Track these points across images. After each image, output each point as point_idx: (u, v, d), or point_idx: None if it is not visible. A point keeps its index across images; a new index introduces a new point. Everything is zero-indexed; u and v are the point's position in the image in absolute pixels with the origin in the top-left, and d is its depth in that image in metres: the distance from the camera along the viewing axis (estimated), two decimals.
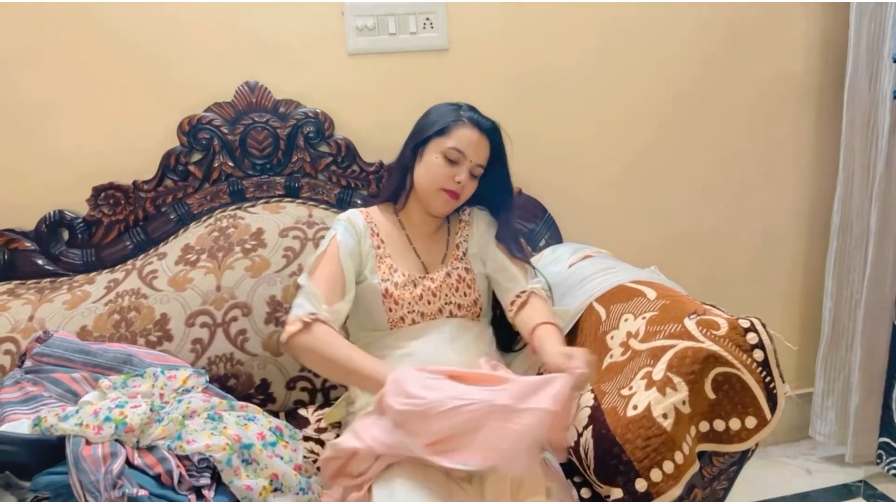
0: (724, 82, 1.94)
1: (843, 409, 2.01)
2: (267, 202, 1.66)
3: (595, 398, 1.16)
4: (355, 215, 1.42)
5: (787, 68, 1.97)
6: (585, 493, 1.16)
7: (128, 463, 1.04)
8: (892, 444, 1.92)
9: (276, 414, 1.46)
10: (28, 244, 1.60)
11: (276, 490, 1.12)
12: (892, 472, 1.92)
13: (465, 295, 1.38)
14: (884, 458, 1.94)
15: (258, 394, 1.50)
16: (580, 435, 1.13)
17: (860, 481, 1.97)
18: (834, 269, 1.98)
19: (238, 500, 1.10)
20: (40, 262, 1.60)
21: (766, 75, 1.96)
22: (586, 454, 1.11)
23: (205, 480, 1.08)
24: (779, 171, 2.04)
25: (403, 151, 1.44)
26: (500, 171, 1.43)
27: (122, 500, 0.98)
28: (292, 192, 1.69)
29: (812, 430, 2.09)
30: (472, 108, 1.41)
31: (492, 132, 1.40)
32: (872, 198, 1.86)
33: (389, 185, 1.49)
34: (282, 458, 1.17)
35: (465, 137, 1.36)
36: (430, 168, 1.37)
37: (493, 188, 1.44)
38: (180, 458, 1.09)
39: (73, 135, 1.62)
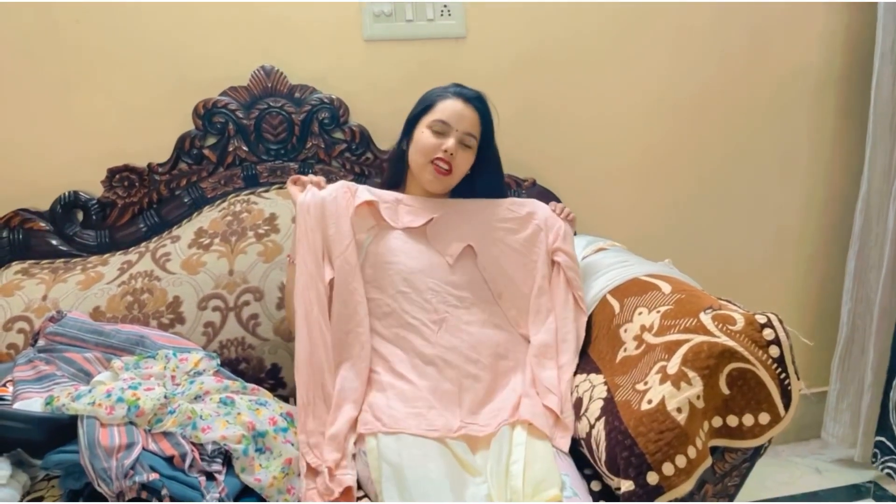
0: (742, 75, 1.91)
1: (857, 411, 1.99)
2: (280, 187, 1.66)
3: (608, 390, 1.16)
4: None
5: (808, 61, 1.94)
6: (596, 485, 1.16)
7: (143, 448, 1.04)
8: (887, 443, 1.90)
9: (285, 399, 1.46)
10: (42, 224, 1.60)
11: (287, 475, 1.12)
12: (888, 471, 1.90)
13: None
14: (878, 456, 1.92)
15: (268, 378, 1.51)
16: (592, 427, 1.13)
17: (870, 482, 1.95)
18: (855, 269, 1.95)
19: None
20: (54, 242, 1.60)
21: (786, 68, 1.93)
22: (598, 446, 1.10)
23: (216, 466, 1.08)
24: (797, 167, 2.01)
25: (399, 140, 1.47)
26: (488, 144, 1.44)
27: (134, 487, 0.99)
28: None
29: (825, 432, 2.07)
30: (459, 85, 1.44)
31: (476, 101, 1.41)
32: (892, 196, 1.84)
33: (388, 174, 1.53)
34: (292, 445, 1.17)
35: (448, 108, 1.38)
36: (418, 143, 1.39)
37: (484, 168, 1.45)
38: (194, 444, 1.09)
39: (88, 116, 1.62)
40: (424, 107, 1.41)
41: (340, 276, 1.29)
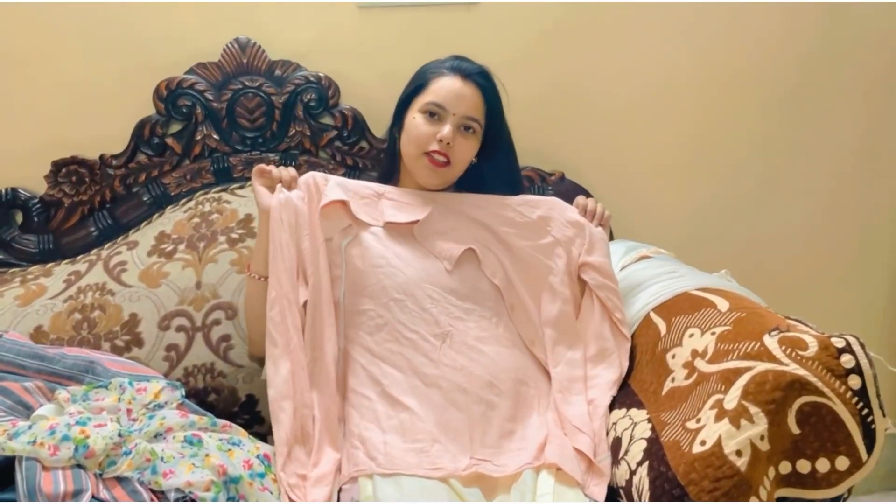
0: (818, 44, 1.91)
1: None
2: None
3: (653, 428, 1.15)
4: None
5: None
6: None
7: (92, 496, 1.05)
8: None
9: (263, 438, 1.46)
10: None
11: None
12: None
13: None
14: None
15: (243, 412, 1.51)
16: (633, 472, 1.13)
17: None
18: None
19: None
20: None
21: (870, 38, 1.93)
22: (640, 496, 1.10)
23: None
24: (883, 159, 2.00)
25: (390, 125, 1.48)
26: (497, 130, 1.44)
27: None
28: None
29: None
30: (459, 58, 1.43)
31: (478, 77, 1.40)
32: None
33: (381, 168, 1.56)
34: (271, 493, 1.17)
35: (444, 87, 1.38)
36: (409, 131, 1.40)
37: (492, 156, 1.46)
38: (154, 491, 1.10)
39: (30, 100, 1.64)
40: (417, 86, 1.41)
41: (313, 296, 1.30)
